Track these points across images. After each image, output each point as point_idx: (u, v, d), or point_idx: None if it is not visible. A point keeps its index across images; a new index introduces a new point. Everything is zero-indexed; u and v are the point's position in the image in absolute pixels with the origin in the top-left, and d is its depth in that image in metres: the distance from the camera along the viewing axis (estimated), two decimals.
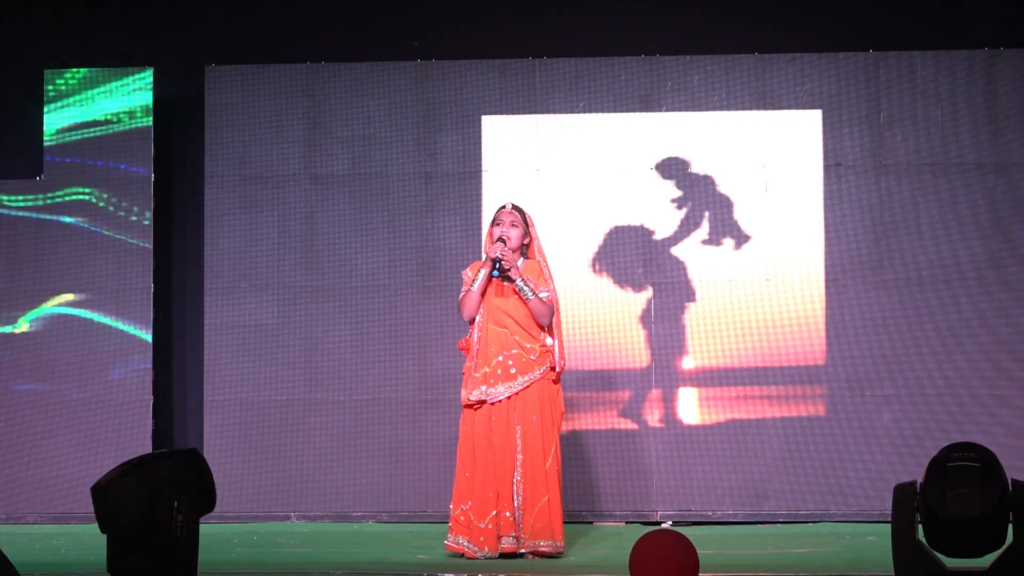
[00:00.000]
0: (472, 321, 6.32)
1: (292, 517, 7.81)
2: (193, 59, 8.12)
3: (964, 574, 4.31)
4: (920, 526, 4.33)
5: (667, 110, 7.91)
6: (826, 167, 7.83)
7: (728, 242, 7.85)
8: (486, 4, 8.23)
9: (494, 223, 6.33)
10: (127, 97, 8.04)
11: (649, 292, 7.84)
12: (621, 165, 7.90)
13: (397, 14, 8.21)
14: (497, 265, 6.22)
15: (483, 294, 6.27)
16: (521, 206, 6.39)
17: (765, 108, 7.87)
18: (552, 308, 6.26)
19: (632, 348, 7.80)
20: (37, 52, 8.25)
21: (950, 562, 4.38)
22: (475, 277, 6.28)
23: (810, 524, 7.62)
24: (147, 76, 8.02)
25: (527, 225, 6.33)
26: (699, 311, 7.82)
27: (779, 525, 7.63)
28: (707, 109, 7.89)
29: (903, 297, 7.75)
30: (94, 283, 7.98)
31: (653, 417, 7.77)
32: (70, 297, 7.99)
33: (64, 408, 7.92)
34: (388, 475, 7.82)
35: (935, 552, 4.33)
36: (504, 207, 6.35)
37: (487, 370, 6.22)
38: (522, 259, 6.34)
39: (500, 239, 6.24)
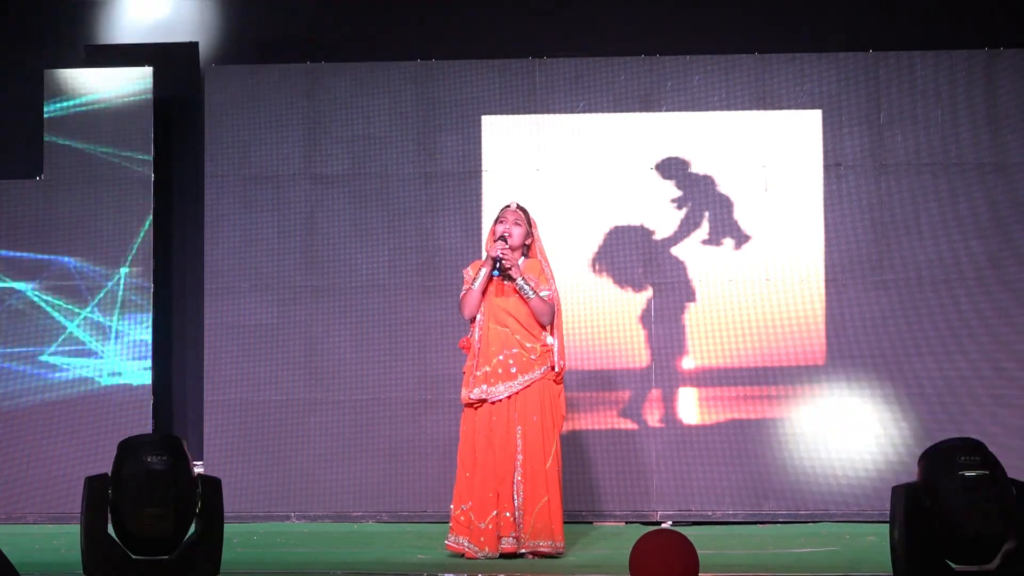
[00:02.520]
0: (473, 320, 6.32)
1: (292, 517, 7.81)
2: (193, 59, 8.12)
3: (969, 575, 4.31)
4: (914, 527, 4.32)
5: (667, 110, 7.91)
6: (826, 167, 7.83)
7: (728, 242, 7.85)
8: (486, 4, 8.23)
9: (497, 221, 6.32)
10: (127, 97, 8.04)
11: (649, 292, 7.84)
12: (621, 165, 7.91)
13: (397, 14, 8.21)
14: (498, 264, 6.22)
15: (484, 293, 6.27)
16: (525, 206, 6.40)
17: (765, 108, 7.87)
18: (553, 307, 6.26)
19: (632, 348, 7.80)
20: (37, 52, 8.25)
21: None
22: (476, 275, 6.28)
23: (810, 524, 7.62)
24: (147, 76, 8.03)
25: (530, 225, 6.33)
26: (699, 311, 7.82)
27: (779, 525, 7.63)
28: (707, 109, 7.90)
29: (903, 297, 7.75)
30: (94, 283, 7.98)
31: (653, 417, 7.77)
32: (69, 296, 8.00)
33: (64, 408, 7.92)
34: (388, 475, 7.82)
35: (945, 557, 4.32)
36: (508, 206, 6.35)
37: (487, 369, 6.22)
38: (523, 259, 6.34)
39: (502, 237, 6.24)
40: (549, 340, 6.27)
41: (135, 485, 4.37)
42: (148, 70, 8.03)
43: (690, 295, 7.83)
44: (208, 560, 4.50)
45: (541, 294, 6.23)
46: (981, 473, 4.23)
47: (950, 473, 4.24)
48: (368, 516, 7.80)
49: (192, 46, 8.23)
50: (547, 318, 6.24)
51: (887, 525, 4.57)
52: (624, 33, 8.11)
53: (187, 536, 4.48)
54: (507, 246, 6.21)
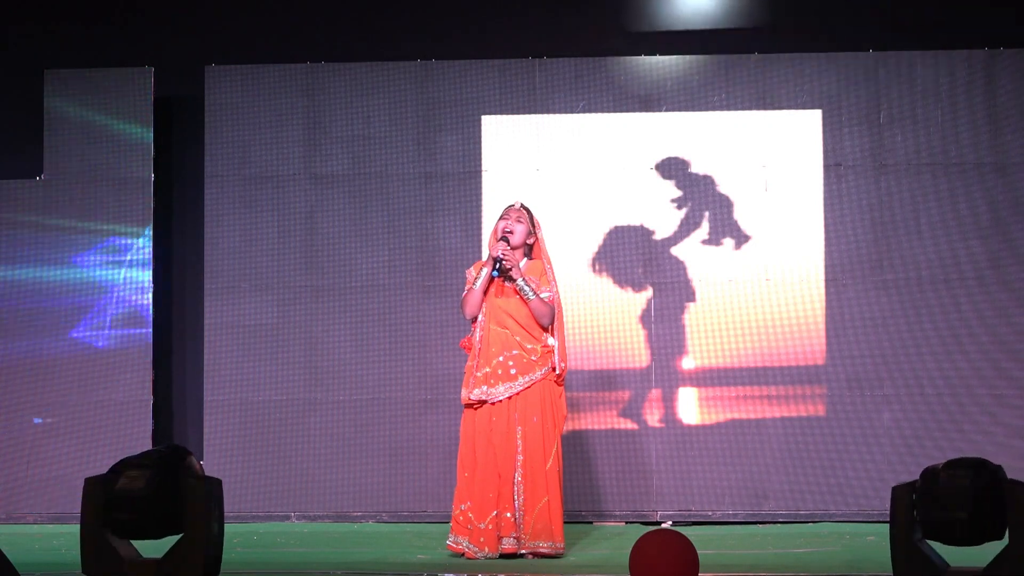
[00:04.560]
0: (474, 320, 6.32)
1: (292, 517, 7.81)
2: (193, 59, 8.13)
3: (963, 574, 4.31)
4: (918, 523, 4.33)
5: (667, 110, 7.91)
6: (826, 167, 7.83)
7: (728, 242, 7.85)
8: (486, 4, 8.23)
9: (501, 218, 6.33)
10: (127, 97, 8.04)
11: (649, 292, 7.84)
12: (621, 165, 7.91)
13: (397, 14, 8.21)
14: (498, 264, 6.22)
15: (485, 293, 6.28)
16: (530, 207, 6.41)
17: (765, 108, 7.87)
18: (553, 308, 6.26)
19: (632, 348, 7.80)
20: (37, 52, 8.26)
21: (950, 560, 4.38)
22: (477, 276, 6.29)
23: (810, 524, 7.62)
24: (147, 76, 8.03)
25: (533, 225, 6.34)
26: (699, 311, 7.82)
27: (779, 525, 7.63)
28: (707, 109, 7.90)
29: (903, 297, 7.75)
30: (94, 282, 7.98)
31: (653, 417, 7.77)
32: (70, 296, 8.00)
33: (64, 408, 7.92)
34: (388, 475, 7.82)
35: (935, 547, 4.32)
36: (513, 205, 6.36)
37: (488, 370, 6.22)
38: (526, 259, 6.34)
39: (503, 238, 6.24)
40: (550, 341, 6.27)
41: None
42: (148, 70, 8.04)
43: (690, 295, 7.83)
44: (208, 561, 4.51)
45: (542, 295, 6.22)
46: (963, 458, 4.24)
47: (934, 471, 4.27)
48: (368, 516, 7.80)
49: (192, 46, 8.23)
50: (547, 319, 6.24)
51: (887, 525, 4.58)
52: (624, 33, 8.11)
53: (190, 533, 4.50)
54: (508, 246, 6.22)
